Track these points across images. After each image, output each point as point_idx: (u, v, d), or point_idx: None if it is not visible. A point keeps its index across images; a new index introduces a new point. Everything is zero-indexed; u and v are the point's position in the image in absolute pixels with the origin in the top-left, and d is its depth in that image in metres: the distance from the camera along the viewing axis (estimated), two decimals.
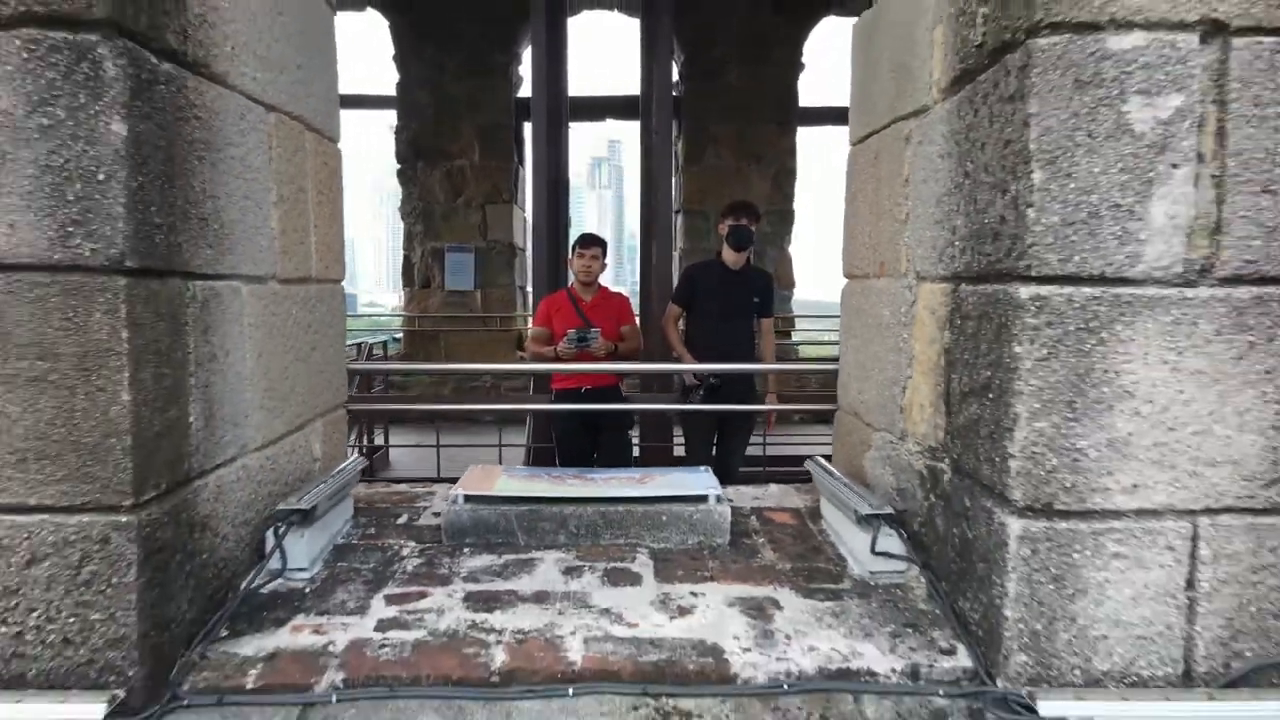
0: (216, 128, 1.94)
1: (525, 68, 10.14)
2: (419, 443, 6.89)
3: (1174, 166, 1.60)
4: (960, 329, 1.92)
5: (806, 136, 10.02)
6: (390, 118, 9.87)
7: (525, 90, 10.08)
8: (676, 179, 10.41)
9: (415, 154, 9.76)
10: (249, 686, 1.71)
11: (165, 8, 1.73)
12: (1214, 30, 1.58)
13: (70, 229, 1.57)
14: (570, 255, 4.53)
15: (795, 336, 10.60)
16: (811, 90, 11.50)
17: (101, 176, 1.57)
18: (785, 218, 9.88)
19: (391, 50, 9.69)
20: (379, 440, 7.11)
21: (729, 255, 4.40)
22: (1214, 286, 1.62)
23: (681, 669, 1.77)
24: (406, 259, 10.06)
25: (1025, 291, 1.64)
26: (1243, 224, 1.61)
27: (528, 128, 9.91)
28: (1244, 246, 1.61)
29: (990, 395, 1.75)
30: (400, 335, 10.24)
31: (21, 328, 1.58)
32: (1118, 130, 1.59)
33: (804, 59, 9.68)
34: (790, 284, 10.19)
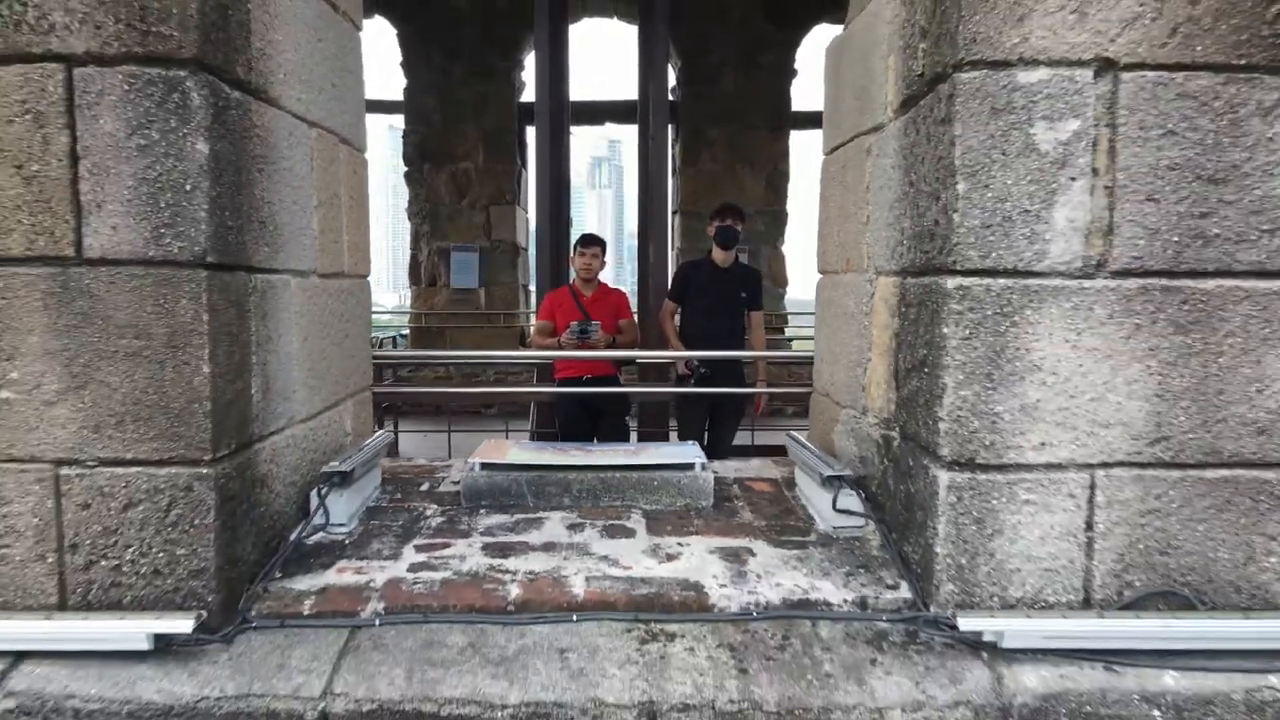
0: (271, 144, 2.28)
1: (527, 73, 10.49)
2: (426, 433, 7.22)
3: (1073, 179, 1.93)
4: (905, 315, 2.26)
5: (799, 140, 10.37)
6: (393, 120, 10.21)
7: (527, 95, 10.43)
8: (674, 181, 10.75)
9: (422, 157, 10.10)
10: (305, 613, 2.05)
11: (236, 45, 2.07)
12: (1105, 67, 1.92)
13: (162, 230, 1.91)
14: (572, 254, 4.87)
15: (788, 332, 10.94)
16: (804, 95, 11.84)
17: (188, 187, 1.91)
18: (778, 218, 10.22)
19: (399, 56, 10.02)
20: (389, 429, 7.43)
21: (718, 254, 4.75)
22: (1107, 279, 1.95)
23: (668, 600, 2.11)
24: (413, 258, 10.39)
25: (951, 283, 1.97)
26: (1130, 227, 1.94)
27: (530, 131, 10.25)
28: (1131, 245, 1.95)
29: (926, 370, 2.09)
30: (407, 332, 10.58)
31: (121, 312, 1.92)
32: (1026, 149, 1.93)
33: (797, 65, 10.02)
34: (784, 282, 10.53)
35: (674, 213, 10.66)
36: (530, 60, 10.37)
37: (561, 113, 8.32)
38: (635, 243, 9.25)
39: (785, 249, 10.47)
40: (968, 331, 1.96)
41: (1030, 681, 1.85)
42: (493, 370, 8.99)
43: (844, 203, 2.89)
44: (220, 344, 1.99)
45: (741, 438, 5.41)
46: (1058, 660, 1.89)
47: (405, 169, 10.22)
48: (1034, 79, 1.92)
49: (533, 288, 9.81)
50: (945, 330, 1.98)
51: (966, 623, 1.92)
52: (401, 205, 10.48)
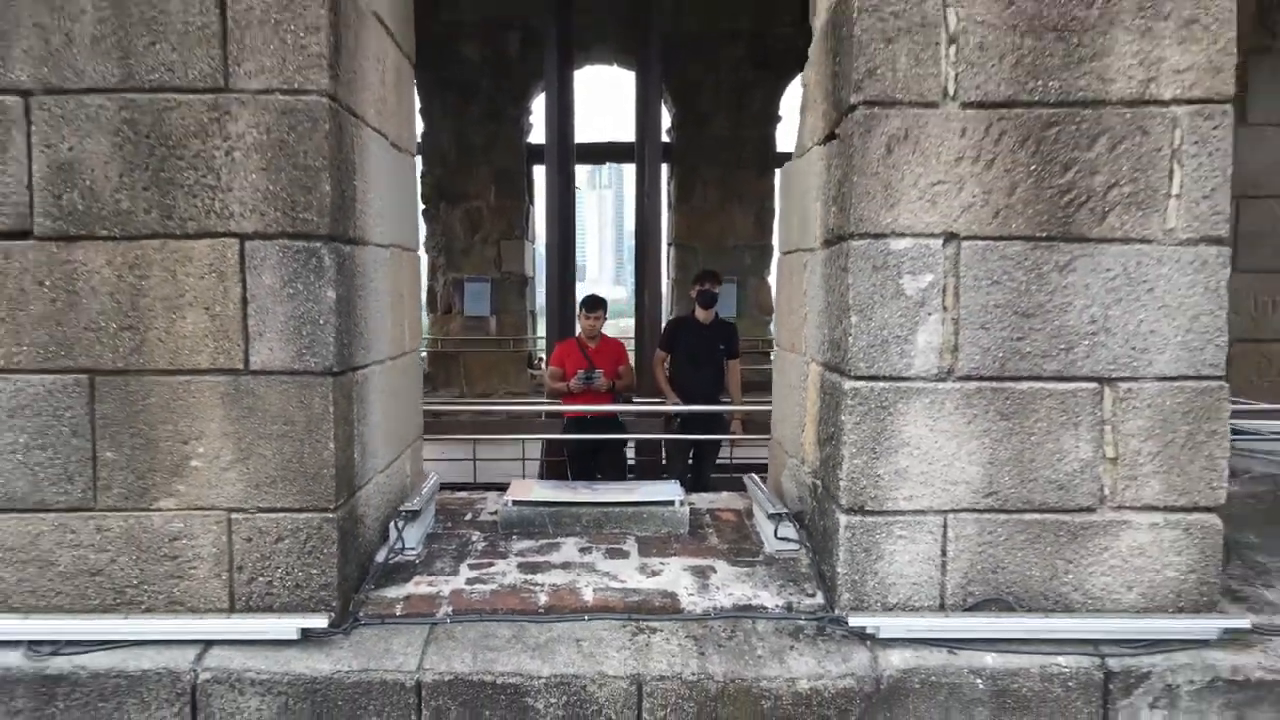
0: (366, 273, 3.15)
1: (534, 116, 11.37)
2: (444, 456, 8.09)
3: (929, 314, 2.80)
4: (823, 398, 3.13)
5: None
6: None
7: (534, 136, 11.32)
8: (670, 214, 11.64)
9: (439, 195, 10.98)
10: (398, 614, 2.92)
11: (349, 214, 2.95)
12: (950, 238, 2.79)
13: (304, 351, 2.78)
14: (578, 313, 5.75)
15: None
16: (788, 137, 12.72)
17: (321, 321, 2.78)
18: (765, 251, 11.11)
19: (419, 104, 10.91)
20: (434, 470, 8.30)
21: (700, 313, 5.64)
22: (954, 382, 2.82)
23: (651, 605, 2.98)
24: (430, 288, 11.27)
25: (848, 384, 2.84)
26: (969, 346, 2.82)
27: (537, 170, 11.15)
28: (970, 359, 2.82)
29: (833, 441, 2.96)
30: (425, 354, 11.46)
31: (274, 406, 2.79)
32: (897, 294, 2.80)
33: (780, 111, 10.89)
34: (769, 310, 11.40)
35: (669, 244, 11.56)
36: (535, 104, 11.27)
37: (567, 154, 9.21)
38: (635, 244, 10.16)
39: (771, 280, 11.36)
40: (858, 419, 2.83)
41: (895, 660, 2.72)
42: (507, 397, 9.86)
43: (791, 298, 3.76)
44: (339, 427, 2.86)
45: (723, 457, 6.31)
46: (916, 646, 2.76)
47: (423, 207, 11.10)
48: (902, 246, 2.79)
49: (541, 315, 10.69)
50: (843, 417, 2.85)
51: (856, 621, 2.79)
52: (419, 239, 11.35)
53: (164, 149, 2.72)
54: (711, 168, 10.74)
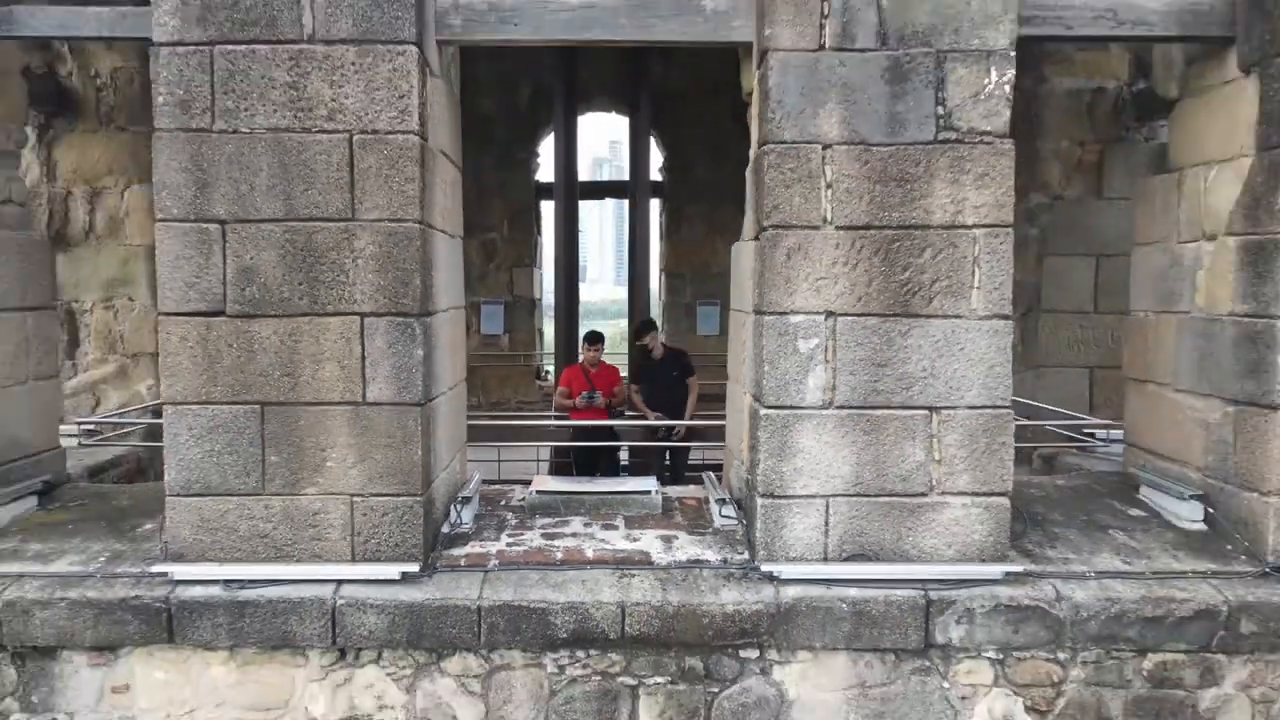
0: (437, 333, 4.57)
1: (541, 158, 12.82)
2: (473, 459, 9.53)
3: (816, 365, 4.23)
4: (751, 419, 4.56)
5: None
6: None
7: (541, 175, 12.76)
8: (661, 244, 13.08)
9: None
10: (462, 565, 4.36)
11: (429, 297, 4.37)
12: (830, 314, 4.22)
13: (402, 390, 4.21)
14: (582, 346, 7.19)
15: None
16: None
17: (413, 370, 4.21)
18: None
19: None
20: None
21: (655, 351, 7.14)
22: (832, 410, 4.25)
23: (632, 559, 4.41)
24: None
25: (763, 411, 4.27)
26: (842, 386, 4.24)
27: (544, 206, 12.59)
28: (843, 394, 4.24)
29: (755, 449, 4.39)
30: None
31: (382, 426, 4.22)
32: (794, 351, 4.23)
33: None
34: None
35: (661, 270, 13.01)
36: (544, 146, 12.72)
37: (572, 192, 10.69)
38: (629, 270, 11.60)
39: None
40: (769, 434, 4.26)
41: (791, 593, 4.14)
42: (518, 404, 11.31)
43: (737, 343, 5.19)
44: (423, 440, 4.29)
45: (695, 456, 7.75)
46: (805, 584, 4.19)
47: None
48: (797, 320, 4.22)
49: (549, 333, 12.12)
50: (760, 434, 4.28)
51: (766, 568, 4.22)
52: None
53: (312, 258, 4.15)
54: (697, 205, 12.16)
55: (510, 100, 12.07)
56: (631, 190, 11.08)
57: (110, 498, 5.27)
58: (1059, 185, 6.88)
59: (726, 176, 12.16)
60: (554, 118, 10.84)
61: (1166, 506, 4.81)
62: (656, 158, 12.18)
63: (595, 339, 7.14)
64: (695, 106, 11.72)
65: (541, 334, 13.19)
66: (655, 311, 12.37)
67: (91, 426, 6.27)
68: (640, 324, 8.02)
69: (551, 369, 12.68)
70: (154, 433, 6.45)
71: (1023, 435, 6.67)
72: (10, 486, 4.86)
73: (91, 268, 6.71)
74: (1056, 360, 6.82)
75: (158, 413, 6.48)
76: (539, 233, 12.77)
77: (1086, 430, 5.91)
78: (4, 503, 4.74)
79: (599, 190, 12.96)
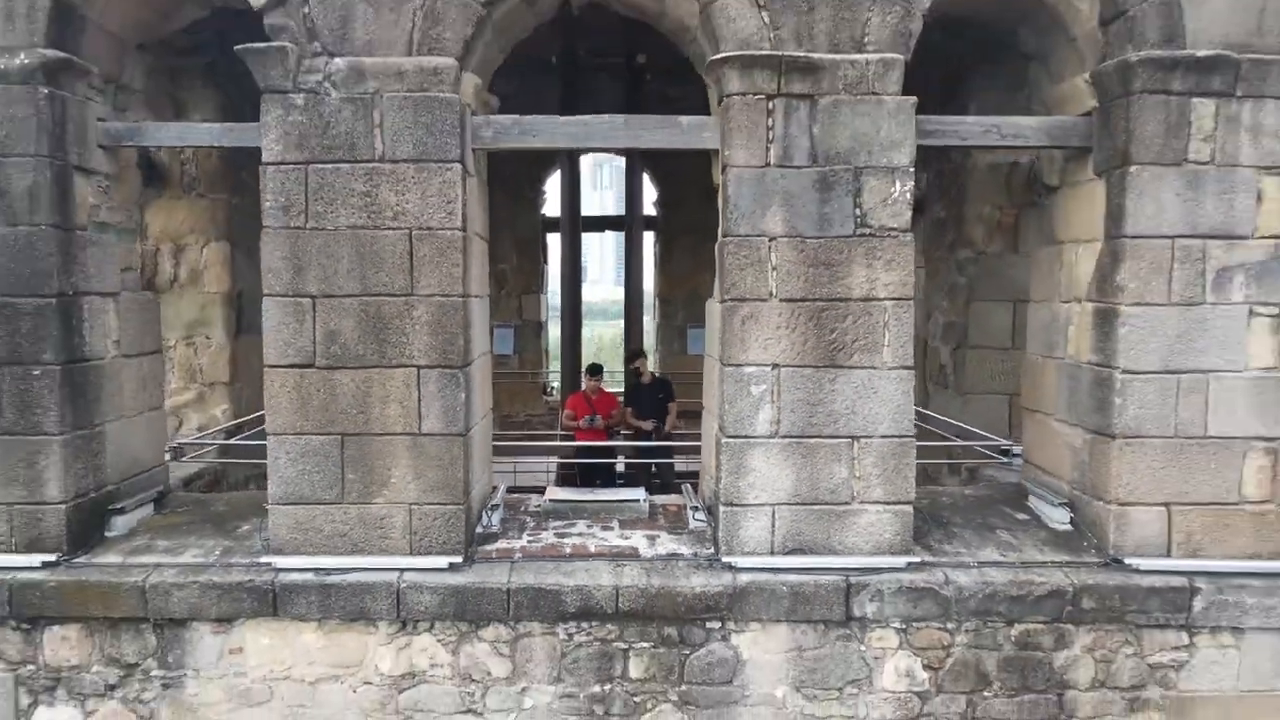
0: (474, 377, 5.88)
1: (547, 194, 14.14)
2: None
3: (765, 404, 5.54)
4: (716, 444, 5.86)
5: None
6: None
7: (547, 209, 14.07)
8: (655, 271, 14.40)
9: None
10: (494, 557, 5.67)
11: (469, 351, 5.68)
12: (775, 365, 5.53)
13: (449, 424, 5.52)
14: (585, 377, 8.50)
15: None
16: None
17: (458, 409, 5.53)
18: None
19: None
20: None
21: (644, 377, 8.43)
22: (778, 439, 5.56)
23: (623, 553, 5.72)
24: None
25: (724, 439, 5.58)
26: (785, 421, 5.55)
27: (550, 239, 13.91)
28: (786, 427, 5.55)
29: (719, 468, 5.70)
30: None
31: (433, 452, 5.53)
32: (748, 394, 5.53)
33: None
34: None
35: (656, 296, 14.33)
36: (548, 184, 14.03)
37: (576, 226, 11.99)
38: (624, 296, 12.85)
39: None
40: (729, 457, 5.57)
41: (744, 578, 5.45)
42: (527, 418, 12.63)
43: (708, 380, 6.49)
44: (465, 462, 5.61)
45: (681, 466, 9.05)
46: (755, 572, 5.49)
47: None
48: (750, 370, 5.53)
49: (556, 353, 13.43)
50: (722, 456, 5.59)
51: (726, 560, 5.54)
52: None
53: (380, 324, 5.47)
54: (687, 238, 13.46)
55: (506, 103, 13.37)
56: (628, 224, 12.38)
57: (209, 504, 6.58)
58: (982, 242, 8.19)
59: (714, 213, 13.51)
60: (559, 162, 12.17)
61: (1044, 511, 6.12)
62: (650, 191, 13.48)
63: (595, 371, 8.44)
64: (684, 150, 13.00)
65: (547, 354, 14.50)
66: (649, 332, 13.67)
67: (178, 445, 7.58)
68: (632, 351, 9.38)
69: (557, 384, 14.03)
70: (227, 451, 7.77)
71: (950, 452, 8.00)
72: (135, 496, 6.17)
73: (175, 311, 8.01)
74: (981, 389, 8.13)
75: (230, 434, 7.85)
76: (545, 262, 14.09)
77: (999, 449, 7.22)
78: (133, 509, 6.05)
79: (599, 224, 14.27)
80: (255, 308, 5.79)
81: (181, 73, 7.40)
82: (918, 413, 7.17)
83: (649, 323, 13.76)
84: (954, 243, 8.56)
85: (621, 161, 14.03)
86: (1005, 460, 7.17)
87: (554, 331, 13.23)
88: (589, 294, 20.36)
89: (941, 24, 5.80)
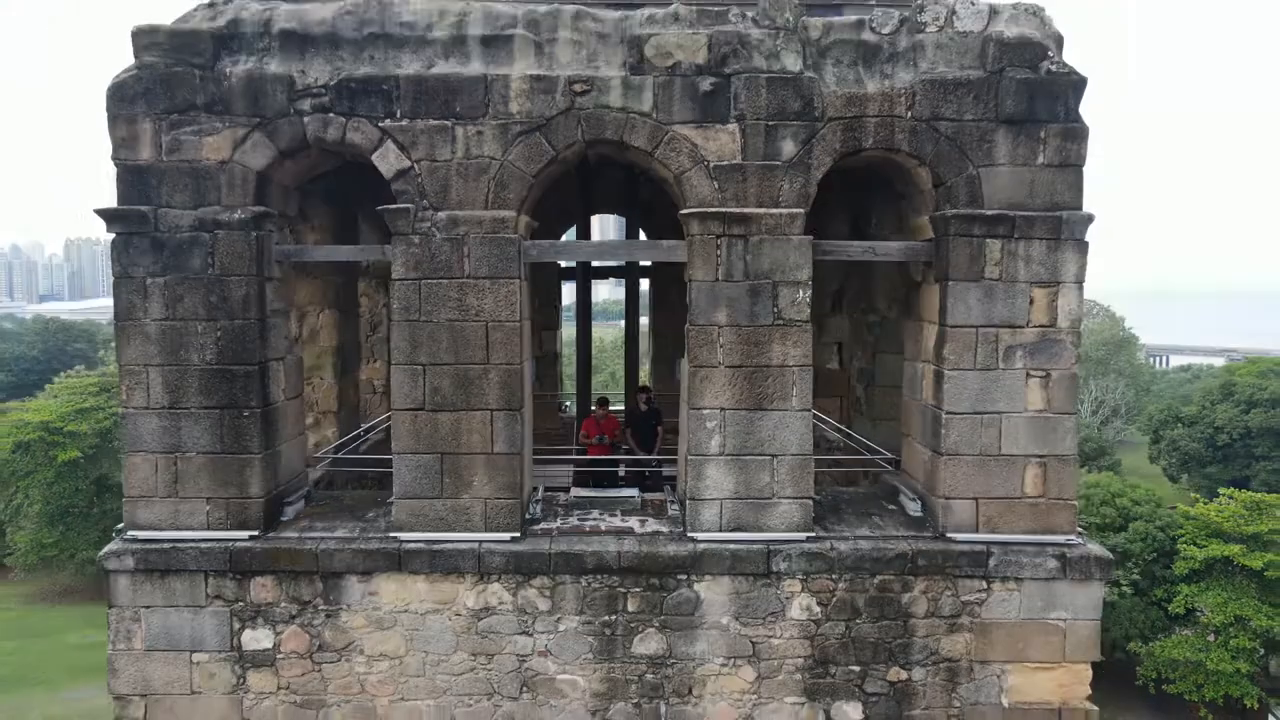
0: (525, 415, 8.89)
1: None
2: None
3: (714, 434, 8.55)
4: (685, 459, 8.87)
5: None
6: None
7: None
8: (650, 313, 17.40)
9: None
10: (539, 533, 8.69)
11: (526, 396, 8.71)
12: (722, 409, 8.55)
13: (511, 446, 8.53)
14: (593, 406, 11.49)
15: None
16: None
17: (516, 437, 8.53)
18: None
19: None
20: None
21: (641, 407, 11.42)
22: (725, 456, 8.56)
23: (624, 531, 8.73)
24: None
25: (690, 455, 8.59)
26: (729, 444, 8.56)
27: (564, 286, 16.92)
28: (730, 449, 8.56)
29: (686, 475, 8.70)
30: None
31: (501, 465, 8.53)
32: (704, 427, 8.54)
33: None
34: None
35: (650, 331, 17.33)
36: (563, 237, 17.03)
37: (587, 274, 15.02)
38: (625, 340, 15.80)
39: None
40: (692, 468, 8.57)
41: (702, 547, 8.45)
42: (545, 431, 15.66)
43: (681, 418, 9.48)
44: (521, 472, 8.61)
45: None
46: (709, 543, 8.48)
47: None
48: (705, 411, 8.54)
49: (572, 380, 16.41)
50: (687, 467, 8.60)
51: (690, 535, 8.54)
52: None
53: (467, 383, 8.47)
54: (675, 285, 16.44)
55: (541, 208, 16.42)
56: (627, 275, 15.42)
57: (340, 499, 9.59)
58: (884, 311, 11.20)
59: None
60: (575, 216, 15.19)
61: (906, 504, 9.12)
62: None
63: (603, 403, 11.40)
64: (670, 212, 16.04)
65: (562, 380, 17.49)
66: (644, 355, 16.63)
67: (311, 458, 10.56)
68: (642, 387, 12.27)
69: (571, 403, 17.03)
70: (337, 462, 10.75)
71: (859, 463, 10.98)
72: (296, 493, 9.17)
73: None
74: (885, 417, 11.12)
75: (337, 449, 10.85)
76: (560, 303, 17.12)
77: (890, 460, 10.20)
78: (295, 502, 9.06)
79: (604, 273, 17.29)
80: (352, 357, 8.79)
81: (307, 195, 10.40)
82: (841, 432, 10.26)
83: (644, 335, 16.74)
84: (866, 311, 11.57)
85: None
86: (893, 470, 10.16)
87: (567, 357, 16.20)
88: (594, 295, 23.38)
89: (854, 175, 8.83)
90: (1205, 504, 67.84)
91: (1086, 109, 8.35)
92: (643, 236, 15.82)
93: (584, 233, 14.98)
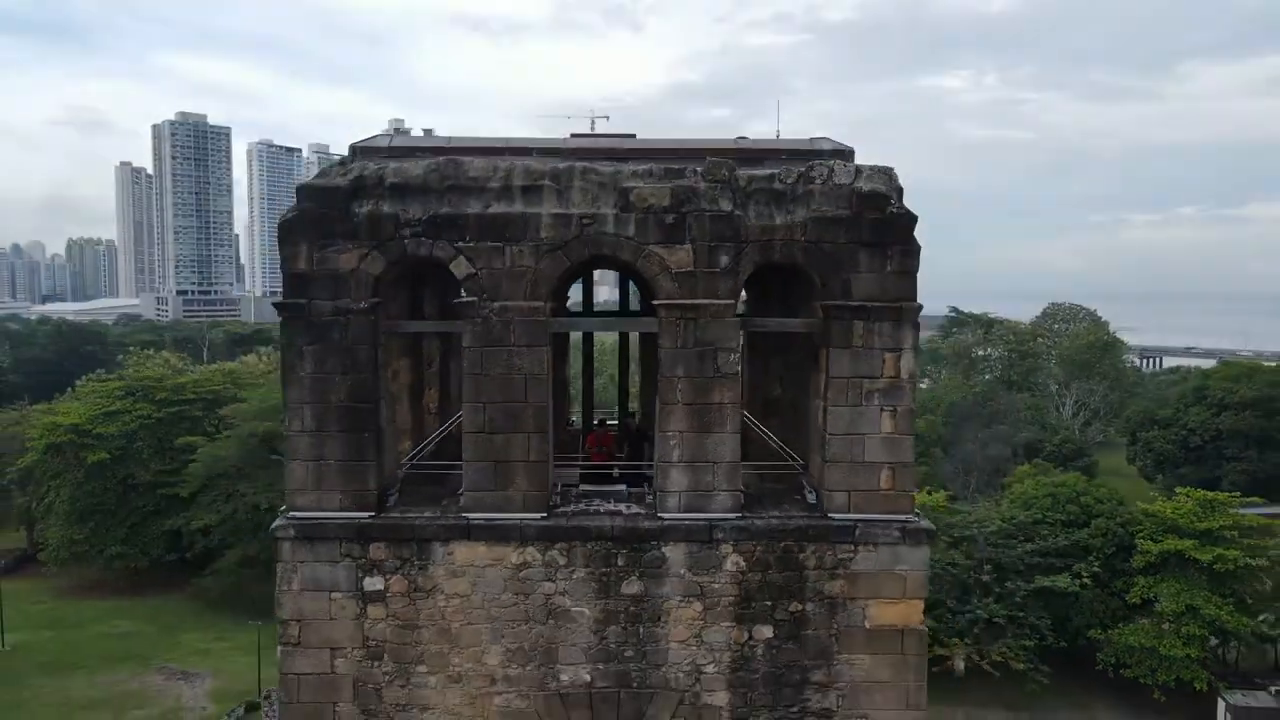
0: (549, 432, 13.26)
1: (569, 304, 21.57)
2: None
3: (676, 449, 12.93)
4: (655, 463, 13.24)
5: None
6: None
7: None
8: (641, 351, 21.83)
9: None
10: (559, 514, 13.07)
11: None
12: (681, 432, 12.92)
13: (541, 455, 12.92)
14: (594, 423, 15.87)
15: None
16: None
17: (546, 450, 12.91)
18: None
19: None
20: None
21: (632, 427, 15.80)
22: (683, 464, 12.92)
23: (616, 513, 13.11)
24: None
25: (659, 463, 12.96)
26: (686, 455, 12.92)
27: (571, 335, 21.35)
28: (687, 458, 12.92)
29: (656, 476, 13.08)
30: None
31: (535, 469, 12.92)
32: (669, 444, 12.92)
33: None
34: None
35: (640, 364, 21.73)
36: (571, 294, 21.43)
37: (590, 332, 19.43)
38: (618, 383, 20.27)
39: None
40: (660, 471, 12.95)
41: (668, 523, 12.81)
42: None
43: (656, 438, 13.85)
44: (548, 472, 12.99)
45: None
46: (672, 521, 12.85)
47: None
48: (669, 433, 12.93)
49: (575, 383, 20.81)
50: (658, 471, 12.97)
51: (660, 515, 12.91)
52: None
53: (512, 414, 12.86)
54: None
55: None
56: (620, 358, 19.91)
57: (421, 492, 13.98)
58: (802, 361, 15.55)
59: None
60: (583, 293, 19.57)
61: (807, 495, 13.49)
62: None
63: (602, 425, 15.71)
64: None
65: (569, 401, 21.86)
66: (633, 385, 21.01)
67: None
68: (632, 414, 16.73)
69: (577, 419, 21.45)
70: (415, 466, 15.10)
71: (783, 466, 15.36)
72: (393, 487, 13.55)
73: None
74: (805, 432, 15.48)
75: (413, 456, 15.25)
76: (567, 342, 21.53)
77: (802, 465, 14.53)
78: (393, 494, 13.44)
79: (605, 326, 21.74)
80: (418, 389, 13.15)
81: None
82: (774, 443, 14.59)
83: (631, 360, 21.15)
84: (798, 358, 15.94)
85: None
86: (802, 471, 14.51)
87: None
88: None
89: (782, 272, 13.22)
90: (1164, 501, 72.88)
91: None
92: (632, 288, 20.27)
93: (589, 285, 19.41)
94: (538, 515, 12.86)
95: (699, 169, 12.85)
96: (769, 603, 12.86)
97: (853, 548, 12.82)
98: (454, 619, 12.85)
